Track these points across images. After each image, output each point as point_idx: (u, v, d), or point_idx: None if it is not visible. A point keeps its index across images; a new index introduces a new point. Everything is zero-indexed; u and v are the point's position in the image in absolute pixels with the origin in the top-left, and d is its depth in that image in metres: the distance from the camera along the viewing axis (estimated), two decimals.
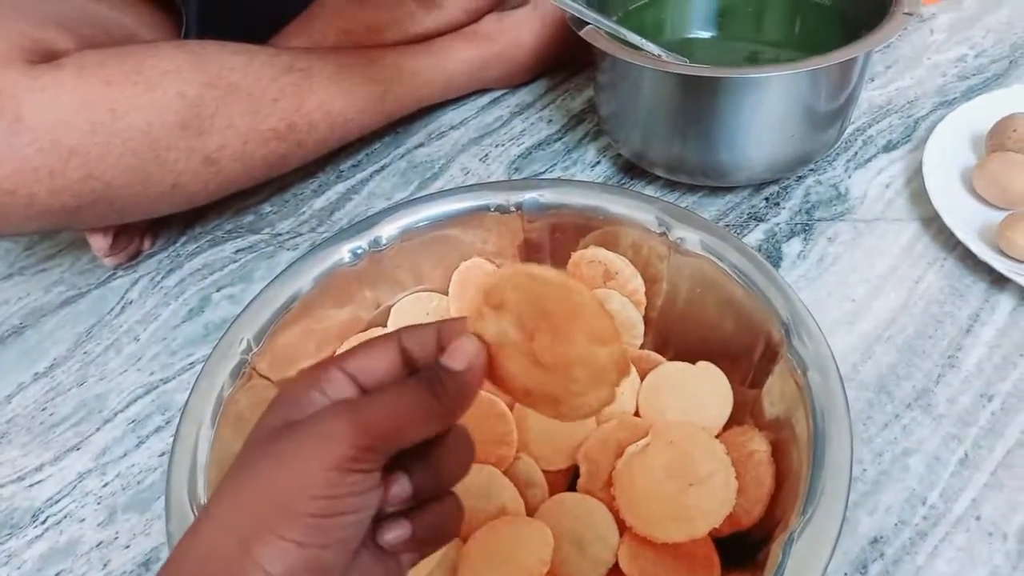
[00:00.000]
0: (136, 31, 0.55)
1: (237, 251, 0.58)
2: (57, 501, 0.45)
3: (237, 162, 0.52)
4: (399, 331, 0.26)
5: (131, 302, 0.56)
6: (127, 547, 0.42)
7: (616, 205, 0.43)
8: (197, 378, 0.37)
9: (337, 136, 0.58)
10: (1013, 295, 0.47)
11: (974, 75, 0.63)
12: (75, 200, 0.46)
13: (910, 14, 0.47)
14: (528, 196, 0.44)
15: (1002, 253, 0.47)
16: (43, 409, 0.50)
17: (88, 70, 0.45)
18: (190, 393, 0.37)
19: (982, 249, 0.47)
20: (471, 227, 0.45)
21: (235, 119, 0.50)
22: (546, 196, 0.44)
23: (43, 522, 0.44)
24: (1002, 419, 0.42)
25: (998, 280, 0.47)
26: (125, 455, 0.46)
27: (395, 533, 0.24)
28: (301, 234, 0.59)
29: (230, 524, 0.22)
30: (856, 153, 0.58)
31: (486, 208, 0.45)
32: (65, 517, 0.44)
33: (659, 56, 0.51)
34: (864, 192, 0.55)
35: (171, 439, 0.35)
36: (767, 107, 0.49)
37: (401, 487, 0.24)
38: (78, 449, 0.47)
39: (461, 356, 0.25)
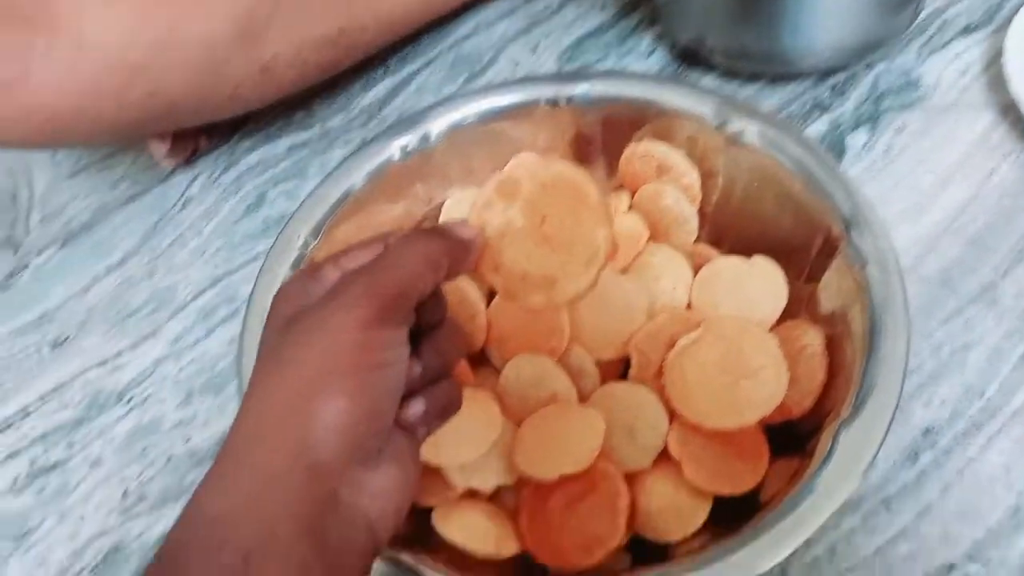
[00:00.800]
0: None
1: (290, 148, 0.59)
2: (139, 384, 0.48)
3: (292, 69, 0.52)
4: (386, 233, 0.28)
5: (192, 199, 0.57)
6: (205, 424, 0.45)
7: (671, 97, 0.42)
8: (259, 271, 0.39)
9: (386, 36, 0.57)
10: None
11: None
12: (141, 115, 0.47)
13: None
14: (579, 89, 0.43)
15: None
16: (118, 299, 0.53)
17: None
18: (254, 286, 0.38)
19: None
20: (521, 121, 0.44)
21: (288, 27, 0.50)
22: (598, 88, 0.43)
23: (127, 402, 0.47)
24: None
25: None
26: (197, 343, 0.49)
27: (413, 409, 0.27)
28: (351, 130, 0.59)
29: (279, 396, 0.24)
30: (931, 37, 0.54)
31: (536, 102, 0.44)
32: (147, 398, 0.47)
33: None
34: (938, 79, 0.52)
35: (239, 328, 0.37)
36: None
37: (413, 368, 0.26)
38: (154, 336, 0.50)
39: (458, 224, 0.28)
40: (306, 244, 0.40)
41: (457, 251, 0.27)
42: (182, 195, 0.58)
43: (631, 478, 0.35)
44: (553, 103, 0.44)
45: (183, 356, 0.49)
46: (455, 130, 0.44)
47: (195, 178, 0.59)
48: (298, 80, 0.54)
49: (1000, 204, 0.45)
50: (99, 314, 0.52)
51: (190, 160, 0.59)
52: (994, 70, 0.51)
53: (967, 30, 0.54)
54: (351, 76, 0.62)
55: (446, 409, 0.29)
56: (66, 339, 0.51)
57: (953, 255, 0.44)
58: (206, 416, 0.46)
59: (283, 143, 0.59)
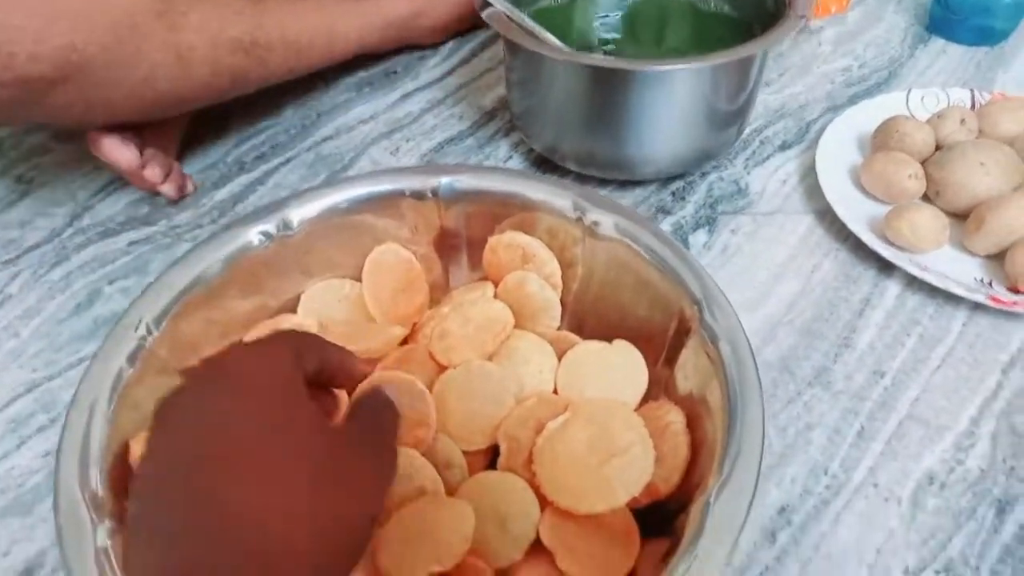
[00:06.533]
0: None
1: (131, 243, 0.55)
2: None
3: (206, 66, 0.52)
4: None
5: (10, 296, 0.51)
6: (7, 554, 0.38)
7: (533, 191, 0.43)
8: (89, 363, 0.35)
9: (291, 63, 0.59)
10: (899, 280, 0.50)
11: (858, 83, 0.67)
12: (52, 71, 0.44)
13: (803, 17, 0.50)
14: (444, 180, 0.44)
15: (888, 242, 0.50)
16: None
17: None
18: (81, 379, 0.34)
19: (871, 239, 0.50)
20: (385, 213, 0.44)
21: (206, 21, 0.51)
22: (463, 181, 0.44)
23: None
24: (893, 394, 0.44)
25: (885, 267, 0.51)
26: (5, 457, 0.42)
27: None
28: (201, 226, 0.56)
29: None
30: (754, 152, 0.61)
31: (401, 192, 0.44)
32: None
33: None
34: (763, 188, 0.58)
35: (56, 439, 0.33)
36: (673, 101, 0.51)
37: None
38: None
39: None
40: (147, 332, 0.36)
41: None
42: None
43: (502, 574, 0.33)
44: (418, 195, 0.44)
45: None
46: (318, 218, 0.42)
47: (16, 275, 0.53)
48: (210, 82, 0.53)
49: (825, 297, 0.50)
50: None
51: (181, 193, 0.57)
52: (809, 181, 0.57)
53: (783, 147, 0.61)
54: (203, 171, 0.60)
55: None
56: None
57: (789, 343, 0.47)
58: (8, 543, 0.39)
59: (123, 238, 0.55)
